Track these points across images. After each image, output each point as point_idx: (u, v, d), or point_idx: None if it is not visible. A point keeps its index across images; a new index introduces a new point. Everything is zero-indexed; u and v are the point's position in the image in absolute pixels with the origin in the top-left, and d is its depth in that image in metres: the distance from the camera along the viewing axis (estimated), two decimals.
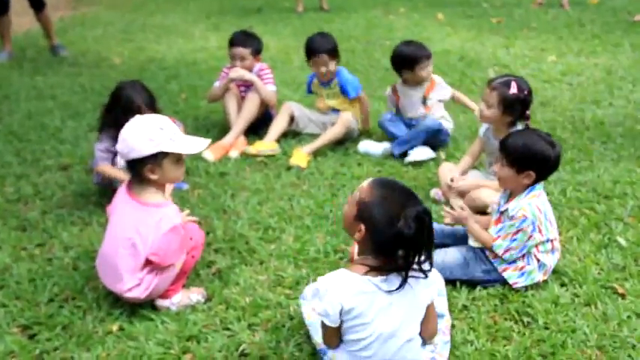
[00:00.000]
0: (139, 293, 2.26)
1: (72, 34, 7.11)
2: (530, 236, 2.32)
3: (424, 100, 3.74)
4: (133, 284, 2.26)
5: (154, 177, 2.26)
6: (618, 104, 4.40)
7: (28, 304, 2.38)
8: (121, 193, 2.37)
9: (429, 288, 1.89)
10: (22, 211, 3.12)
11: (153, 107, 3.05)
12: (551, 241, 2.39)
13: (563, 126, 4.02)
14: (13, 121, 4.39)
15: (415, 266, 1.80)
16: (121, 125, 2.30)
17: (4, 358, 2.11)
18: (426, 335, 1.95)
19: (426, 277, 1.83)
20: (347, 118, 3.78)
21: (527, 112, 2.83)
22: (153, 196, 2.30)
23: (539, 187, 2.41)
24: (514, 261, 2.38)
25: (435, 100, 3.76)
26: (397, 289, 1.77)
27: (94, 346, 2.16)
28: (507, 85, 2.80)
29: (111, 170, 3.05)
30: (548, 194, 2.48)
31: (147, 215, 2.26)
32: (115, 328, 2.25)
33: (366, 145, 3.72)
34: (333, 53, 3.80)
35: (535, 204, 2.35)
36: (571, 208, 2.96)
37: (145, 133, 2.21)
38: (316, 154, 3.69)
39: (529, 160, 2.33)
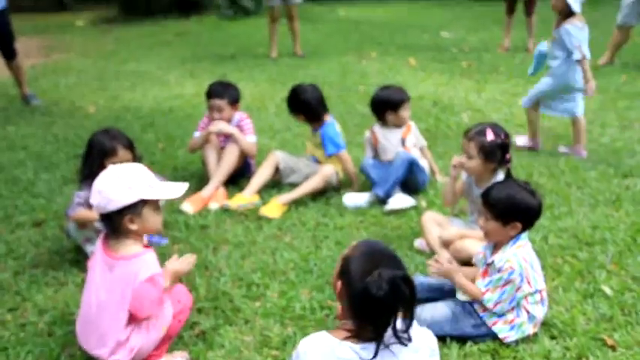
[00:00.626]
0: (122, 356, 2.16)
1: (44, 83, 7.03)
2: (519, 288, 2.32)
3: (403, 142, 3.82)
4: (117, 348, 2.17)
5: (133, 227, 2.20)
6: (590, 148, 4.49)
7: None
8: (98, 249, 2.29)
9: (417, 353, 1.84)
10: None
11: (131, 149, 3.00)
12: (540, 291, 2.38)
13: (540, 171, 4.08)
14: None
15: (393, 335, 1.75)
16: (98, 173, 2.26)
17: None
18: None
19: (406, 345, 1.78)
20: (327, 173, 3.76)
21: (507, 156, 2.86)
22: (130, 248, 2.23)
23: (524, 237, 2.42)
24: (503, 314, 2.37)
25: (411, 144, 3.85)
26: (372, 357, 1.72)
27: None
28: (483, 133, 2.84)
29: (87, 214, 2.91)
30: (530, 242, 2.49)
31: (125, 269, 2.19)
32: None
33: (352, 200, 3.64)
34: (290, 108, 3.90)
35: (521, 255, 2.35)
36: (554, 256, 2.98)
37: (123, 182, 2.17)
38: (297, 204, 3.66)
39: (513, 211, 2.35)
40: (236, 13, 12.00)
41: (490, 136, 2.82)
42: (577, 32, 4.16)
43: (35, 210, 3.69)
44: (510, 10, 8.10)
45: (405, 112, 3.82)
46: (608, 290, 2.67)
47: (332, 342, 1.75)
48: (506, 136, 2.87)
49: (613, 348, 2.31)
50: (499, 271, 2.32)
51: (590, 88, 4.25)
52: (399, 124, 3.84)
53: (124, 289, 2.17)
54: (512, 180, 2.57)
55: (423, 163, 3.86)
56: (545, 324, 2.46)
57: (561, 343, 2.35)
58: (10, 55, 5.97)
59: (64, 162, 4.50)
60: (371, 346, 1.72)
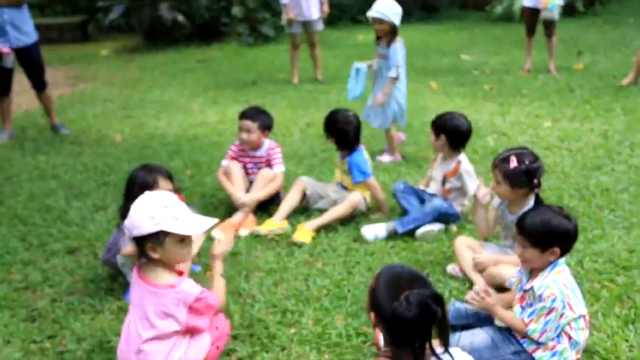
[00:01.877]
0: None
1: (71, 112, 7.17)
2: (562, 314, 2.28)
3: (444, 182, 3.67)
4: None
5: (155, 256, 2.22)
6: (620, 169, 4.46)
7: None
8: (134, 275, 2.32)
9: None
10: (31, 300, 3.04)
11: (170, 179, 3.04)
12: (583, 317, 2.35)
13: (570, 194, 4.05)
14: (16, 203, 4.35)
15: (433, 356, 1.77)
16: None
17: None
18: None
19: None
20: (354, 200, 3.76)
21: (535, 181, 2.83)
22: (162, 277, 2.26)
23: (562, 263, 2.39)
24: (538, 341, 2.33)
25: (451, 186, 3.63)
26: None
27: None
28: (507, 160, 2.84)
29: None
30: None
31: (160, 297, 2.21)
32: None
33: (371, 231, 3.55)
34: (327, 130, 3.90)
35: (561, 280, 2.33)
36: (591, 281, 2.94)
37: (147, 211, 2.19)
38: (327, 229, 3.67)
39: (551, 237, 2.33)
40: (256, 40, 12.19)
41: (513, 163, 2.82)
42: (402, 52, 4.63)
43: (69, 238, 3.74)
44: (530, 32, 8.12)
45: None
46: None
47: None
48: (533, 161, 2.84)
49: None
50: (540, 298, 2.29)
51: (377, 102, 4.78)
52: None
53: (168, 314, 2.20)
54: (545, 205, 2.56)
55: (463, 203, 3.68)
56: (587, 351, 2.42)
57: None
58: (41, 87, 6.11)
59: (94, 190, 4.56)
60: None
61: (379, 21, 4.60)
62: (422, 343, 1.77)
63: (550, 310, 2.27)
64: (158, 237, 2.19)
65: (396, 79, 4.70)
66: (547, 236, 2.33)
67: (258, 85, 8.52)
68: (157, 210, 2.19)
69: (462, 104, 6.68)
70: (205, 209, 3.98)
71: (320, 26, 8.23)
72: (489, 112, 6.27)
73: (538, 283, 2.33)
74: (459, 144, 3.60)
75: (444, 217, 3.61)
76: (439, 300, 1.76)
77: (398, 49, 4.62)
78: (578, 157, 4.80)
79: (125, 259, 2.97)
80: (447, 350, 1.81)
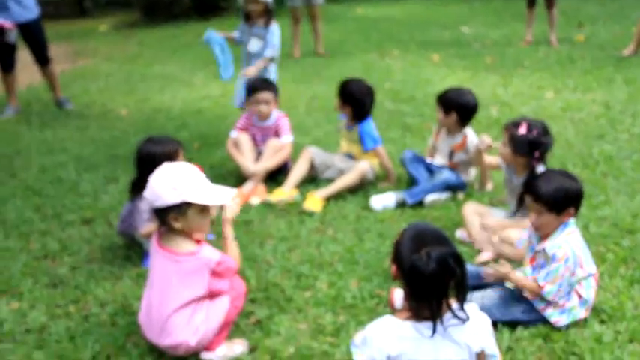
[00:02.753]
0: (189, 337, 2.26)
1: (74, 87, 7.18)
2: (573, 273, 2.37)
3: (451, 155, 3.71)
4: (181, 331, 2.26)
5: (177, 225, 2.29)
6: (622, 138, 4.53)
7: None
8: (154, 245, 2.39)
9: (478, 335, 1.92)
10: (52, 268, 3.12)
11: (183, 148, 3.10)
12: (593, 275, 2.44)
13: (574, 162, 4.12)
14: (28, 176, 4.41)
15: (451, 313, 1.84)
16: None
17: None
18: None
19: (464, 322, 1.86)
20: (363, 168, 3.83)
21: (536, 153, 2.88)
22: (183, 245, 2.33)
23: (572, 224, 2.47)
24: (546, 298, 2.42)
25: (459, 160, 3.68)
26: (432, 334, 1.81)
27: None
28: (517, 125, 2.91)
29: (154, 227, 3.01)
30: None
31: (184, 264, 2.29)
32: None
33: (380, 202, 3.60)
34: (345, 99, 3.88)
35: (572, 241, 2.41)
36: (596, 245, 3.03)
37: (170, 182, 2.25)
38: (337, 198, 3.74)
39: (566, 200, 2.39)
40: None
41: (522, 129, 2.88)
42: (278, 33, 4.62)
43: (83, 209, 3.80)
44: (531, 4, 8.11)
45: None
46: None
47: (396, 323, 1.84)
48: (541, 134, 2.89)
49: None
50: (553, 258, 2.36)
51: (248, 72, 4.57)
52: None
53: (192, 281, 2.28)
54: (549, 170, 2.63)
55: (469, 173, 3.76)
56: (594, 309, 2.51)
57: (611, 327, 2.41)
58: (44, 62, 6.12)
59: (103, 163, 4.62)
60: (430, 324, 1.81)
61: (254, 1, 4.51)
62: (439, 299, 1.85)
63: (564, 271, 2.35)
64: (181, 208, 2.26)
65: (271, 59, 4.60)
66: (563, 200, 2.39)
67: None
68: (179, 181, 2.25)
69: (464, 76, 6.72)
70: (215, 180, 3.98)
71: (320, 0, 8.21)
72: (491, 84, 6.31)
73: (550, 243, 2.41)
74: (468, 119, 3.64)
75: (452, 187, 3.69)
76: (459, 259, 1.83)
77: (276, 30, 4.56)
78: (581, 127, 4.86)
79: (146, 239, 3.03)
80: (462, 307, 1.89)
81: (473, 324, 1.90)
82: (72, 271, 3.08)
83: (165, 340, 2.29)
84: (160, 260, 2.35)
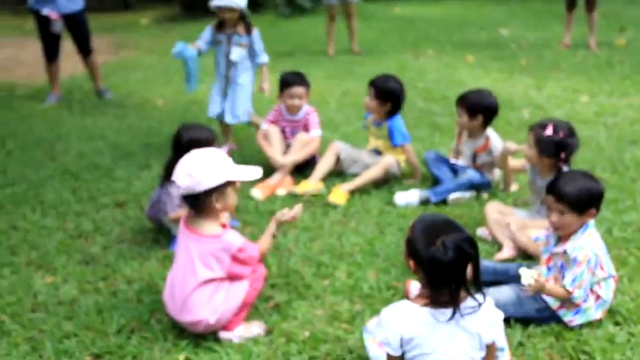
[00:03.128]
0: (209, 315, 2.36)
1: (115, 78, 7.41)
2: (593, 273, 2.38)
3: (474, 158, 3.73)
4: (202, 310, 2.37)
5: (218, 206, 2.41)
6: None
7: (98, 334, 2.50)
8: (181, 226, 2.50)
9: (491, 327, 1.96)
10: (84, 247, 3.27)
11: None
12: (613, 277, 2.45)
13: (603, 166, 4.08)
14: (67, 160, 4.60)
15: (468, 299, 1.89)
16: None
17: None
18: None
19: (479, 308, 1.91)
20: (388, 162, 3.88)
21: (562, 155, 2.89)
22: (209, 228, 2.44)
23: (592, 225, 2.48)
24: (569, 299, 2.43)
25: (482, 161, 3.70)
26: (450, 319, 1.86)
27: None
28: (544, 127, 2.92)
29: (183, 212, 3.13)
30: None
31: (206, 245, 2.40)
32: (181, 358, 2.35)
33: (404, 198, 3.65)
34: (380, 95, 3.93)
35: (593, 242, 2.42)
36: (618, 248, 3.02)
37: (212, 165, 2.38)
38: (361, 192, 3.80)
39: (589, 200, 2.41)
40: (293, 12, 12.24)
41: (548, 130, 2.89)
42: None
43: (116, 193, 3.96)
44: (571, 6, 7.99)
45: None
46: None
47: (412, 308, 1.90)
48: (567, 135, 2.90)
49: None
50: (575, 261, 2.37)
51: (268, 90, 4.63)
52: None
53: (213, 262, 2.38)
54: (571, 171, 2.64)
55: (493, 173, 3.76)
56: (610, 312, 2.52)
57: (626, 329, 2.41)
58: (87, 52, 6.35)
59: (138, 150, 4.78)
60: (447, 311, 1.86)
61: (230, 9, 4.32)
62: (457, 284, 1.90)
63: (587, 273, 2.36)
64: (223, 188, 2.39)
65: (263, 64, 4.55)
66: (586, 200, 2.40)
67: (293, 56, 8.61)
68: (219, 163, 2.39)
69: (498, 78, 6.68)
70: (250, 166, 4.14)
71: None
72: (525, 86, 6.27)
73: (571, 245, 2.41)
74: (491, 120, 3.66)
75: (476, 187, 3.71)
76: (472, 242, 1.89)
77: (258, 33, 4.48)
78: (614, 132, 4.80)
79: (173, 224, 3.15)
80: (480, 289, 1.93)
81: (486, 316, 1.95)
82: (103, 250, 3.22)
83: (185, 317, 2.39)
84: (185, 240, 2.46)
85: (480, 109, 3.58)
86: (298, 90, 4.10)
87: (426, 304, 1.91)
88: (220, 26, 4.44)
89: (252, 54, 4.50)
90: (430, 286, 1.92)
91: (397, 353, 1.89)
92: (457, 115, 3.70)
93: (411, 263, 1.96)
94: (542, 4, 12.28)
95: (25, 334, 2.53)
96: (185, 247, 2.46)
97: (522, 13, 11.57)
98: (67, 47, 6.51)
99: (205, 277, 2.39)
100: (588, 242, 2.41)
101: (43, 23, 6.05)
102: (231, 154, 3.55)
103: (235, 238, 2.44)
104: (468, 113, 3.60)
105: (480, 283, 1.92)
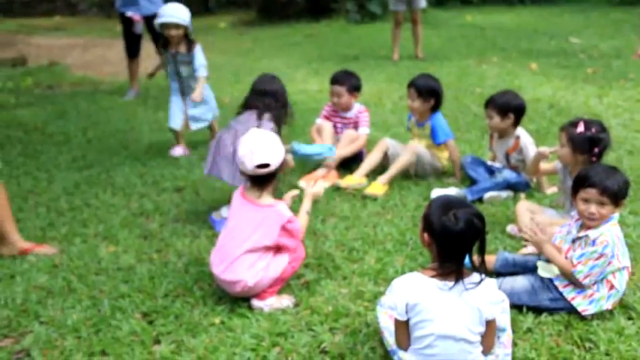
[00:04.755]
0: (248, 277, 2.65)
1: None
2: (610, 262, 2.47)
3: (507, 158, 3.85)
4: (244, 272, 2.65)
5: (275, 182, 2.83)
6: None
7: (148, 296, 2.84)
8: (237, 196, 2.83)
9: (494, 305, 2.11)
10: (144, 224, 3.65)
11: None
12: (627, 268, 2.52)
13: None
14: (138, 149, 5.06)
15: (473, 274, 2.06)
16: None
17: (129, 336, 2.55)
18: (484, 347, 2.16)
19: (480, 282, 2.07)
20: (414, 146, 4.04)
21: (596, 150, 2.96)
22: (264, 199, 2.77)
23: (616, 217, 2.56)
24: (583, 289, 2.53)
25: (515, 160, 3.81)
26: (452, 287, 2.04)
27: (199, 333, 2.55)
28: (575, 124, 3.00)
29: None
30: (625, 237, 2.63)
31: (262, 213, 2.72)
32: (217, 321, 2.64)
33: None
34: (423, 93, 4.09)
35: (614, 232, 2.51)
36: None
37: (279, 145, 2.78)
38: (400, 187, 3.98)
39: (626, 192, 2.54)
40: (363, 18, 12.50)
41: (580, 128, 2.97)
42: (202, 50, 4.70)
43: (177, 179, 4.35)
44: None
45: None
46: None
47: (420, 277, 2.11)
48: (600, 131, 2.98)
49: None
50: (593, 243, 2.48)
51: (196, 97, 4.70)
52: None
53: (263, 227, 2.68)
54: (599, 164, 2.73)
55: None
56: (624, 306, 2.58)
57: (637, 323, 2.48)
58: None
59: (202, 143, 5.17)
60: (451, 283, 2.05)
61: (175, 26, 4.54)
62: (464, 253, 2.08)
63: (600, 256, 2.46)
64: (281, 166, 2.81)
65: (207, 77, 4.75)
66: (625, 192, 2.52)
67: (359, 59, 8.86)
68: (279, 143, 2.81)
69: (559, 85, 6.63)
70: (297, 165, 4.42)
71: (422, 4, 8.39)
72: (586, 95, 6.19)
73: (593, 230, 2.51)
74: (521, 120, 3.77)
75: (514, 187, 3.80)
76: (482, 219, 2.07)
77: (199, 50, 4.68)
78: None
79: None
80: (483, 264, 2.10)
81: (488, 293, 2.10)
82: (160, 227, 3.59)
83: (228, 276, 2.68)
84: (241, 208, 2.78)
85: (510, 109, 3.71)
86: (337, 88, 4.36)
87: (434, 276, 2.10)
88: (165, 45, 4.71)
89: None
90: (439, 257, 2.10)
91: (403, 318, 2.09)
92: (487, 117, 3.81)
93: (425, 236, 2.14)
94: (621, 13, 11.90)
95: (88, 293, 2.91)
96: (241, 214, 2.77)
97: (598, 22, 11.26)
98: (148, 47, 7.06)
99: (257, 244, 2.68)
100: (610, 230, 2.50)
101: (127, 24, 6.63)
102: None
103: (286, 210, 2.75)
104: (499, 114, 3.72)
105: (483, 256, 2.08)
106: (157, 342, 2.52)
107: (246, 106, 3.71)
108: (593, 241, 2.48)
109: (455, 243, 2.06)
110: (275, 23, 13.20)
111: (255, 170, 2.72)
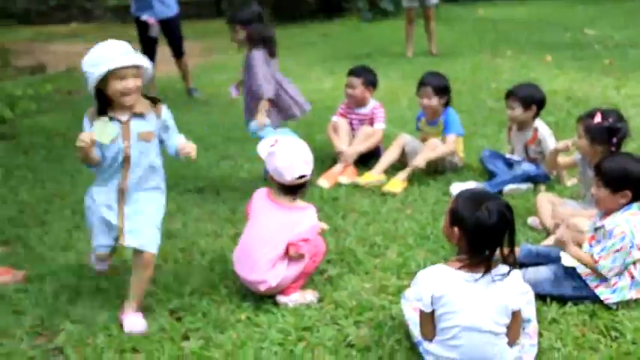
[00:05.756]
0: (270, 279, 2.68)
1: (203, 79, 8.01)
2: (630, 253, 2.47)
3: (526, 150, 3.88)
4: (266, 273, 2.70)
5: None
6: None
7: (175, 294, 2.89)
8: (262, 199, 2.86)
9: (519, 296, 2.14)
10: (168, 224, 3.69)
11: None
12: None
13: None
14: None
15: (500, 266, 2.08)
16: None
17: (158, 333, 2.60)
18: (509, 338, 2.18)
19: (509, 273, 2.09)
20: (434, 142, 4.05)
21: (614, 139, 2.96)
22: (301, 202, 2.85)
23: (636, 207, 2.56)
24: (606, 279, 2.53)
25: (534, 153, 3.85)
26: (479, 279, 2.06)
27: (227, 329, 2.60)
28: (592, 115, 3.00)
29: None
30: None
31: (300, 216, 2.79)
32: (243, 317, 2.68)
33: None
34: (439, 91, 4.11)
35: (633, 222, 2.50)
36: None
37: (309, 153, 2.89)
38: (420, 182, 4.00)
39: (624, 180, 2.52)
40: (375, 15, 12.51)
41: (597, 118, 2.97)
42: None
43: (198, 179, 4.41)
44: None
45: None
46: None
47: (447, 270, 2.13)
48: (617, 120, 2.98)
49: None
50: (610, 235, 2.49)
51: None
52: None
53: (289, 231, 2.73)
54: (626, 153, 2.73)
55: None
56: None
57: None
58: (179, 54, 6.96)
59: (220, 143, 5.24)
60: (478, 275, 2.08)
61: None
62: (494, 249, 2.11)
63: (620, 248, 2.47)
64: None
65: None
66: (620, 179, 2.52)
67: (372, 57, 8.86)
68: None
69: (576, 77, 6.60)
70: (315, 162, 4.45)
71: (435, 0, 8.38)
72: (603, 86, 6.17)
73: (609, 220, 2.53)
74: (541, 111, 3.80)
75: (533, 179, 3.81)
76: (511, 209, 2.10)
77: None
78: None
79: None
80: (512, 252, 2.12)
81: (515, 285, 2.13)
82: (183, 227, 3.65)
83: (252, 276, 2.73)
84: (268, 211, 2.82)
85: (534, 100, 3.72)
86: (352, 80, 4.40)
87: (461, 268, 2.12)
88: None
89: None
90: (470, 250, 2.12)
91: (428, 309, 2.12)
92: (509, 108, 3.82)
93: (455, 230, 2.14)
94: (635, 3, 11.78)
95: (116, 292, 2.96)
96: (267, 216, 2.81)
97: (612, 12, 11.17)
98: (164, 50, 7.15)
99: (279, 245, 2.72)
100: (628, 220, 2.50)
101: (142, 28, 6.72)
102: None
103: (314, 217, 2.82)
104: (522, 105, 3.73)
105: (513, 247, 2.10)
106: (186, 338, 2.57)
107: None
108: (610, 233, 2.48)
109: (488, 236, 2.08)
110: (288, 23, 13.23)
111: (294, 181, 2.76)
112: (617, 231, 2.47)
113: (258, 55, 3.93)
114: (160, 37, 6.83)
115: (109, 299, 2.89)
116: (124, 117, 2.59)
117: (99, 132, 2.51)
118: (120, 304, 2.77)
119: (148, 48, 6.82)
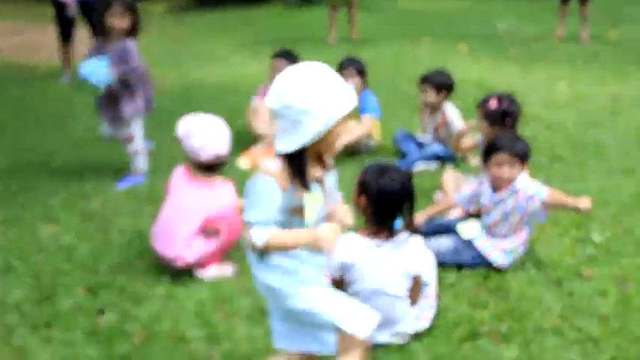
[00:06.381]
0: (188, 254, 2.77)
1: None
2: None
3: (437, 132, 4.16)
4: (185, 250, 2.77)
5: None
6: (619, 127, 4.76)
7: (91, 272, 2.91)
8: (181, 176, 2.92)
9: (417, 261, 2.33)
10: (85, 204, 3.68)
11: None
12: None
13: (563, 146, 4.40)
14: (74, 132, 5.02)
15: (402, 233, 2.28)
16: None
17: (72, 309, 2.62)
18: (411, 300, 2.37)
19: (408, 240, 2.29)
20: (350, 125, 4.21)
21: (507, 120, 3.23)
22: (215, 179, 2.92)
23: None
24: (498, 245, 2.81)
25: (444, 135, 4.14)
26: (385, 241, 2.25)
27: (143, 303, 2.66)
28: (487, 100, 3.26)
29: None
30: None
31: (213, 193, 2.85)
32: (161, 291, 2.74)
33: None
34: (360, 72, 4.28)
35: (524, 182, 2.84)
36: (556, 210, 3.34)
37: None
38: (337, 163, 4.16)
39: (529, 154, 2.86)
40: (302, 2, 12.58)
41: (493, 103, 3.23)
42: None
43: (115, 161, 4.36)
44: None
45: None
46: (597, 238, 3.04)
47: (355, 238, 2.30)
48: (510, 104, 3.26)
49: (588, 278, 2.70)
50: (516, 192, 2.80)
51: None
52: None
53: (206, 207, 2.81)
54: (507, 133, 3.03)
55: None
56: (537, 262, 2.86)
57: (544, 273, 2.76)
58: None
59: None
60: (382, 241, 2.27)
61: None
62: (394, 217, 2.29)
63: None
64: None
65: None
66: (529, 153, 2.84)
67: (296, 43, 8.96)
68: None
69: (486, 66, 7.00)
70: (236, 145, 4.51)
71: None
72: (509, 74, 6.57)
73: (521, 184, 2.80)
74: (449, 96, 4.12)
75: (442, 158, 4.07)
76: (411, 179, 2.31)
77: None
78: (583, 116, 5.10)
79: None
80: (412, 220, 2.31)
81: (415, 251, 2.32)
82: (101, 207, 3.63)
83: (169, 252, 2.79)
84: (186, 187, 2.89)
85: (444, 85, 3.97)
86: (278, 62, 4.54)
87: (367, 235, 2.30)
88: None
89: None
90: (373, 218, 2.29)
91: (336, 276, 2.27)
92: (422, 92, 4.05)
93: (362, 199, 2.31)
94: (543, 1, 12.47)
95: (29, 271, 2.93)
96: (184, 193, 2.87)
97: (524, 8, 11.79)
98: (83, 33, 6.93)
99: (197, 221, 2.80)
100: (520, 181, 2.80)
101: (59, 9, 6.50)
102: None
103: (232, 194, 2.89)
104: (435, 90, 3.98)
105: (412, 217, 2.29)
106: (102, 312, 2.61)
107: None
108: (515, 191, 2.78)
109: (390, 203, 2.25)
110: (211, 8, 13.08)
111: (211, 160, 2.84)
112: (518, 186, 2.81)
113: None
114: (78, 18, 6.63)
115: (20, 278, 2.87)
116: (318, 173, 1.88)
117: (310, 209, 1.80)
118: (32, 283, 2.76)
119: (65, 29, 6.62)
